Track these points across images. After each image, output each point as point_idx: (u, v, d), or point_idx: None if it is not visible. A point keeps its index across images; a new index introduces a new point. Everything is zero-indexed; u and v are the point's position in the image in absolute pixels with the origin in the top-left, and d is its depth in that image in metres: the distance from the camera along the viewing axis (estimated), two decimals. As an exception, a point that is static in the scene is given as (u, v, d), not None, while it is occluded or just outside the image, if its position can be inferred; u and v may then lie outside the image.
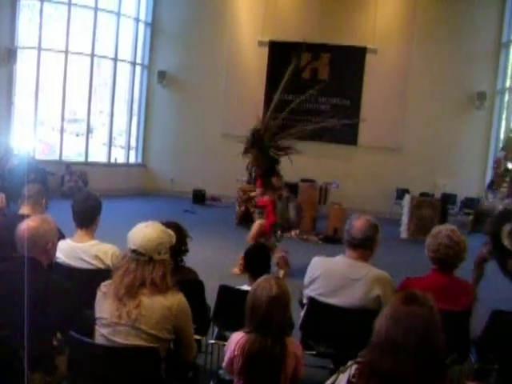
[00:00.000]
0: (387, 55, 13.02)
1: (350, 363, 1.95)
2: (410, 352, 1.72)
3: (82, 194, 3.93)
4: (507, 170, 6.27)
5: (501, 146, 6.69)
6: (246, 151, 7.17)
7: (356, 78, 13.19)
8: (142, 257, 2.44)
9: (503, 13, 12.68)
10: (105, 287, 2.51)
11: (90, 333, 2.50)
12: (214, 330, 3.57)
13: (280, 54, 13.31)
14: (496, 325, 3.28)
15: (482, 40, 12.73)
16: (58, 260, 3.28)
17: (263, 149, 7.14)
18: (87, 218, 3.50)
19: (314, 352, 3.26)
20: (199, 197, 12.93)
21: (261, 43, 13.43)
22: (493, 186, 6.44)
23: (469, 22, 12.67)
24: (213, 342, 3.44)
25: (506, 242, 5.31)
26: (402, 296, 1.85)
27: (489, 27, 12.76)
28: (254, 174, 7.10)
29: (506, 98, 12.67)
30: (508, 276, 5.75)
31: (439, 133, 12.79)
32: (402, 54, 13.02)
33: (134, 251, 2.45)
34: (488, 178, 12.72)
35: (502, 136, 12.75)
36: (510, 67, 12.77)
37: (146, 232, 2.48)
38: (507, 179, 6.16)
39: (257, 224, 6.83)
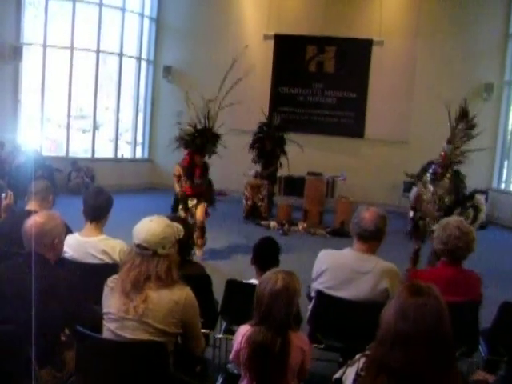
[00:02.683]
0: (394, 47, 12.87)
1: (358, 356, 1.94)
2: (421, 344, 1.70)
3: (95, 189, 3.94)
4: (452, 162, 6.54)
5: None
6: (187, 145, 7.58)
7: (362, 71, 13.04)
8: (146, 251, 2.44)
9: (510, 3, 12.51)
10: (112, 282, 2.51)
11: (98, 328, 2.50)
12: (222, 324, 3.57)
13: (285, 47, 13.31)
14: (505, 317, 3.25)
15: (489, 31, 12.54)
16: (66, 255, 3.29)
17: (208, 139, 7.55)
18: (99, 212, 3.51)
19: (323, 345, 3.26)
20: (206, 191, 12.91)
21: (266, 37, 13.35)
22: (436, 177, 6.80)
23: (475, 12, 12.49)
24: (221, 336, 3.44)
25: None
26: (407, 288, 1.84)
27: (496, 18, 12.56)
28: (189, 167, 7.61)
29: (515, 89, 12.55)
30: None
31: (446, 125, 12.64)
32: (408, 45, 12.88)
33: (138, 246, 2.45)
34: (496, 170, 12.67)
35: (510, 127, 12.63)
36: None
37: (150, 226, 2.47)
38: (450, 172, 6.53)
39: (202, 206, 7.48)
